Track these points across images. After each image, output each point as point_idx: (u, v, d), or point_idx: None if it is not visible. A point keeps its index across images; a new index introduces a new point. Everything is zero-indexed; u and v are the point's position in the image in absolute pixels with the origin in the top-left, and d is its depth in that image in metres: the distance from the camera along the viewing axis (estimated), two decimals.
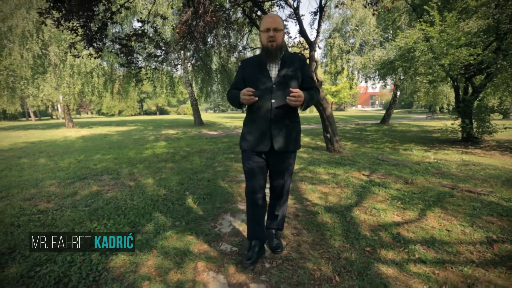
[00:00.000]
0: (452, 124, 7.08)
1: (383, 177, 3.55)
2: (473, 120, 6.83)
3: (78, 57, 5.06)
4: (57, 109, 38.18)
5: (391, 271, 1.58)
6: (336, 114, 31.13)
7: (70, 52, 4.70)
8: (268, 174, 1.77)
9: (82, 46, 4.41)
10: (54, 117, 41.29)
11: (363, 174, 3.70)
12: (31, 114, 34.86)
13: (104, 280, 1.49)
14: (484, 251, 1.79)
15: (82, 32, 4.28)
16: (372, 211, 2.45)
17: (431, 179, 3.44)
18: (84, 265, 1.61)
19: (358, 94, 55.42)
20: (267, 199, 1.83)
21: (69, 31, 3.85)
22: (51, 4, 3.57)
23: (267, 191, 1.77)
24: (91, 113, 49.69)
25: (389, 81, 12.36)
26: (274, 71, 1.58)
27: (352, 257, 1.72)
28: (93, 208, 2.51)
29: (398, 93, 13.02)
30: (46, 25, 3.79)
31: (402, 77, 10.66)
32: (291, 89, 1.45)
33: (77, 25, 4.08)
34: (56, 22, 3.65)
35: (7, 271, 1.56)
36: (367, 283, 1.46)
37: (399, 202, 2.67)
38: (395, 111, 38.26)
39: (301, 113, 33.27)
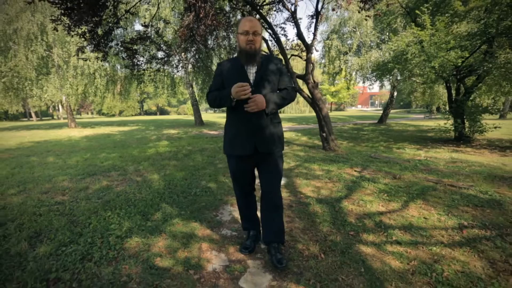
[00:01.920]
0: (445, 124, 7.31)
1: (373, 173, 3.79)
2: (465, 120, 7.07)
3: (86, 60, 5.30)
4: (58, 110, 38.49)
5: (370, 250, 1.82)
6: (335, 114, 31.37)
7: (78, 56, 4.94)
8: (258, 179, 1.76)
9: (89, 50, 4.66)
10: (55, 117, 41.57)
11: (355, 170, 3.94)
12: (33, 114, 35.15)
13: (122, 257, 1.73)
14: (454, 234, 2.03)
15: (90, 37, 4.53)
16: (360, 202, 2.69)
17: (418, 175, 3.68)
18: (104, 245, 1.86)
19: (358, 94, 55.59)
20: (258, 198, 1.86)
21: (79, 36, 4.09)
22: (62, 12, 3.81)
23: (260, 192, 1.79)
24: (92, 113, 49.97)
25: (386, 82, 12.60)
26: (252, 74, 1.59)
27: (337, 239, 1.96)
28: (105, 200, 2.76)
29: (395, 93, 13.26)
30: (57, 31, 4.04)
31: (399, 78, 10.91)
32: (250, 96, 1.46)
33: (85, 30, 4.32)
34: (67, 28, 3.90)
35: (38, 250, 1.80)
36: (348, 259, 1.71)
37: (385, 194, 2.91)
38: (394, 111, 38.65)
39: (301, 113, 33.06)
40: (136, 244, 1.89)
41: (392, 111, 38.04)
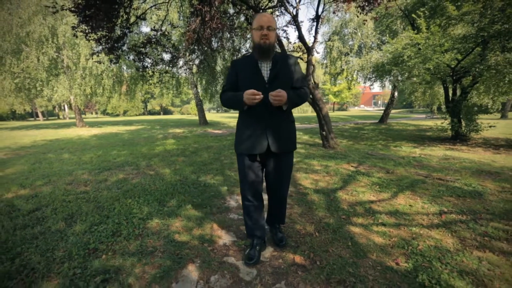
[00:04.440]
0: (442, 123, 7.55)
1: (369, 168, 4.07)
2: (462, 119, 7.30)
3: (100, 63, 5.65)
4: (64, 109, 39.20)
5: (358, 230, 2.11)
6: (337, 113, 31.55)
7: (92, 59, 5.28)
8: (265, 176, 1.78)
9: (104, 54, 5.00)
10: (61, 117, 42.30)
11: (352, 166, 4.22)
12: (39, 114, 35.84)
13: (146, 233, 2.04)
14: (433, 219, 2.31)
15: (104, 41, 4.86)
16: (353, 193, 2.97)
17: (410, 170, 3.95)
18: (129, 225, 2.17)
19: (360, 94, 55.62)
20: (265, 198, 1.89)
21: (95, 41, 4.43)
22: (81, 19, 4.15)
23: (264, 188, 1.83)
24: (96, 113, 50.69)
25: (387, 82, 12.82)
26: (266, 71, 1.57)
27: (330, 221, 2.25)
28: (124, 190, 3.07)
29: (396, 93, 13.48)
30: (77, 37, 4.37)
31: (399, 78, 11.13)
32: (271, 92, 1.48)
33: (101, 35, 4.66)
34: (85, 34, 4.24)
35: (74, 228, 2.12)
36: (338, 236, 2.00)
37: (377, 186, 3.19)
38: (397, 110, 38.75)
39: (303, 113, 33.28)
40: (157, 224, 2.20)
41: (395, 111, 38.09)
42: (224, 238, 2.02)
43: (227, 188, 3.13)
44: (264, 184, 1.83)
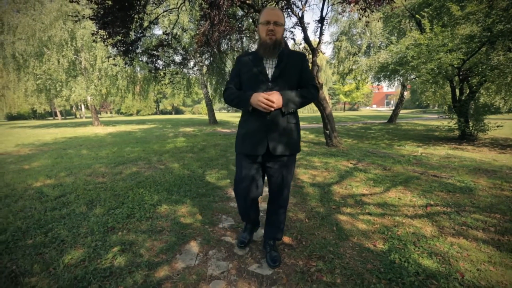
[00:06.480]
0: (449, 122, 7.54)
1: (367, 165, 4.22)
2: (469, 119, 7.27)
3: (116, 66, 6.06)
4: (81, 109, 40.81)
5: (345, 217, 2.31)
6: (348, 113, 31.30)
7: (108, 61, 5.67)
8: (267, 180, 1.71)
9: (119, 57, 5.40)
10: (77, 116, 44.03)
11: (351, 163, 4.38)
12: (58, 114, 37.46)
13: (156, 216, 2.33)
14: (418, 210, 2.48)
15: (120, 45, 5.24)
16: (347, 187, 3.17)
17: (408, 167, 4.08)
18: (141, 210, 2.46)
19: (372, 93, 54.69)
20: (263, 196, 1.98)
21: (112, 46, 4.81)
22: (99, 26, 4.52)
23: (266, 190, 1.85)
24: (111, 112, 52.36)
25: (396, 82, 12.74)
26: (271, 68, 1.49)
27: (321, 210, 2.47)
28: (137, 181, 3.39)
29: (406, 93, 13.37)
30: (96, 42, 4.78)
31: (408, 78, 11.06)
32: (262, 94, 1.39)
33: (117, 40, 5.04)
34: (104, 39, 4.63)
35: (94, 211, 2.44)
36: (325, 222, 2.21)
37: (372, 182, 3.36)
38: (409, 110, 37.97)
39: (313, 113, 33.16)
40: (165, 210, 2.49)
41: (407, 111, 37.28)
42: (223, 222, 2.28)
43: (230, 181, 3.39)
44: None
